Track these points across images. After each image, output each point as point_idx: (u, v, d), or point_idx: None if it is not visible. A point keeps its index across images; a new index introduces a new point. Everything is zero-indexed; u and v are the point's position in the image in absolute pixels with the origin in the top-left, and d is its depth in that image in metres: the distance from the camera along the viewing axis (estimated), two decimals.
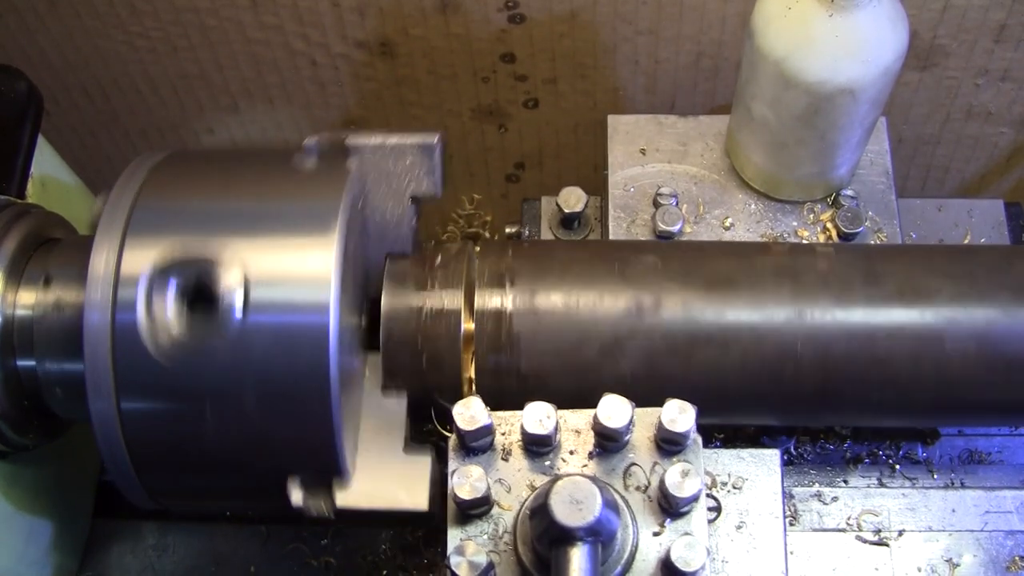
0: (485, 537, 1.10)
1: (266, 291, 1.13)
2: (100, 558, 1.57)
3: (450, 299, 1.26)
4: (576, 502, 0.99)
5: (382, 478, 1.21)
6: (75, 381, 1.16)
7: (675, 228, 1.52)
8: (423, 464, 1.22)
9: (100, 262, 1.15)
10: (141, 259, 1.14)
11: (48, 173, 1.55)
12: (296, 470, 1.19)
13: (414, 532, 1.55)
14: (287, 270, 1.14)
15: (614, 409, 1.10)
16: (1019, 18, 1.76)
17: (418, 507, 1.20)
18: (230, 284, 1.12)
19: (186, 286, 1.13)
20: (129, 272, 1.13)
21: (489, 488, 1.09)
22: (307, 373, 1.12)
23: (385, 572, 1.55)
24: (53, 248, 1.31)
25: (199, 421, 1.15)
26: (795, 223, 1.55)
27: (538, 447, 1.13)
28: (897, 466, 1.48)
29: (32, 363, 1.26)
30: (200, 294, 1.13)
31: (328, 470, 1.18)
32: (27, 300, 1.26)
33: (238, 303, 1.12)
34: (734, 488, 1.22)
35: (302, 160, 1.23)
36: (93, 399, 1.14)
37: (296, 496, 1.20)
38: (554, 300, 1.26)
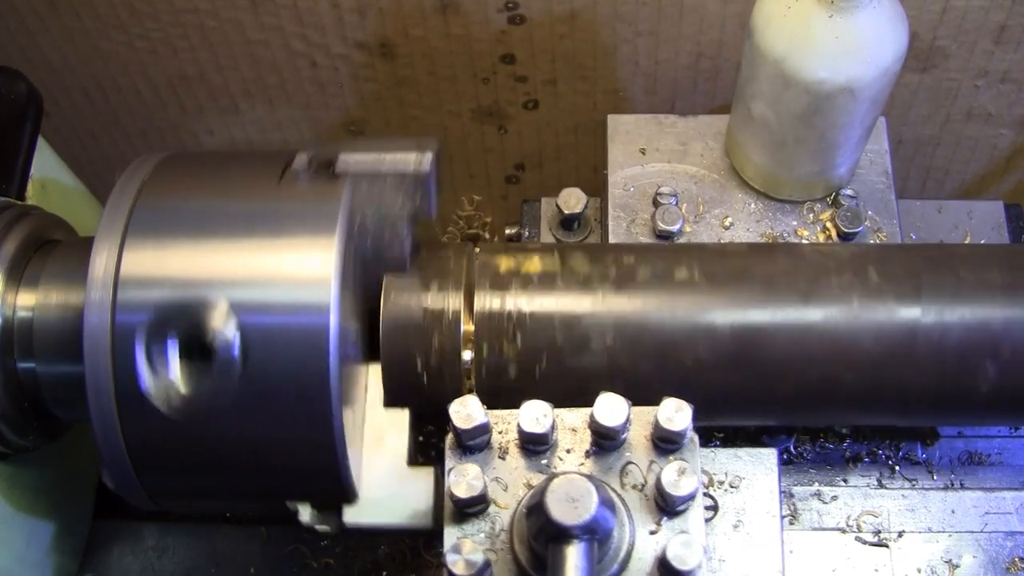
0: (482, 535, 1.10)
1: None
2: (100, 559, 1.57)
3: (450, 300, 1.26)
4: (572, 500, 0.99)
5: (387, 494, 1.23)
6: (75, 382, 1.16)
7: (675, 228, 1.52)
8: (427, 480, 1.23)
9: (100, 263, 1.15)
10: (138, 298, 1.14)
11: (48, 174, 1.55)
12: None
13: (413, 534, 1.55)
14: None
15: (611, 408, 1.10)
16: (1019, 19, 1.76)
17: (424, 524, 1.22)
18: (226, 335, 1.12)
19: (183, 339, 1.13)
20: (126, 321, 1.13)
21: (486, 486, 1.09)
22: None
23: (385, 573, 1.55)
24: (53, 249, 1.32)
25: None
26: (795, 222, 1.55)
27: (535, 445, 1.13)
28: (897, 467, 1.48)
29: (32, 364, 1.26)
30: (199, 343, 1.13)
31: (334, 485, 1.19)
32: (27, 301, 1.26)
33: (237, 350, 1.12)
34: (731, 487, 1.22)
35: (292, 180, 1.21)
36: (93, 400, 1.14)
37: (304, 514, 1.23)
38: (553, 301, 1.26)
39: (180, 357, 1.13)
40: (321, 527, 1.24)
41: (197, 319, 1.12)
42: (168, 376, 1.13)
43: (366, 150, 1.22)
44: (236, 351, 1.11)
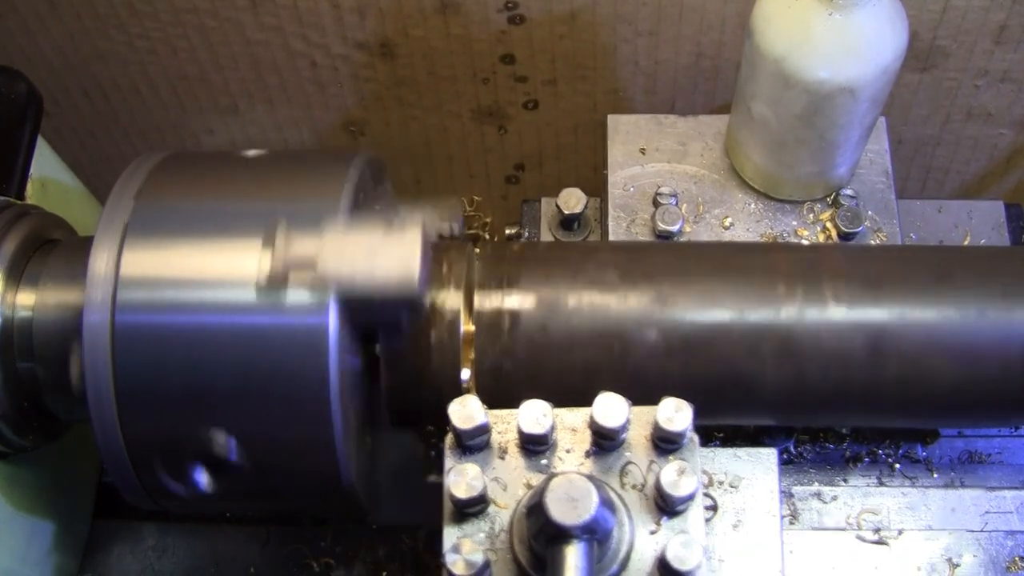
0: (481, 535, 1.10)
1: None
2: (100, 559, 1.57)
3: (450, 300, 1.26)
4: (572, 500, 0.99)
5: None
6: (75, 382, 1.16)
7: (675, 228, 1.52)
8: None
9: (100, 263, 1.16)
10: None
11: (48, 174, 1.55)
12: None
13: (413, 534, 1.55)
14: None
15: (610, 408, 1.10)
16: (1019, 19, 1.76)
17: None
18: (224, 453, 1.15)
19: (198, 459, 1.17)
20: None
21: (485, 486, 1.09)
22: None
23: (385, 573, 1.55)
24: (53, 249, 1.32)
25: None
26: (795, 222, 1.55)
27: (534, 445, 1.13)
28: (897, 465, 1.48)
29: (32, 364, 1.26)
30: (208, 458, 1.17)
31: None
32: (27, 301, 1.26)
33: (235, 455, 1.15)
34: (731, 487, 1.22)
35: (274, 285, 1.15)
36: (93, 400, 1.14)
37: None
38: (553, 301, 1.26)
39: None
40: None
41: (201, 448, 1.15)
42: (196, 488, 1.17)
43: (353, 254, 1.15)
44: (234, 456, 1.15)
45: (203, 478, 1.17)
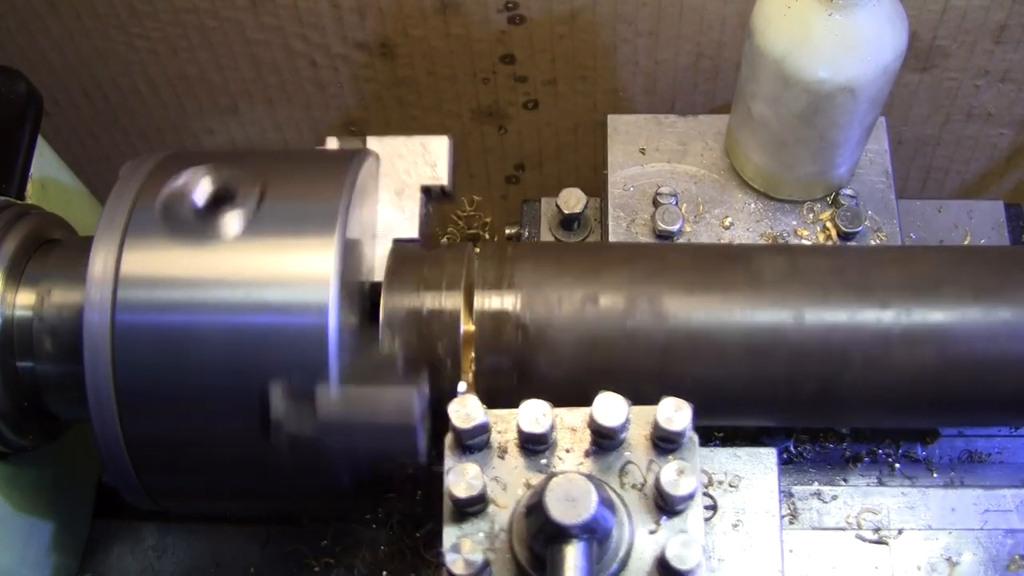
0: (481, 535, 1.10)
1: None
2: (100, 559, 1.57)
3: (450, 300, 1.26)
4: (571, 500, 0.99)
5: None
6: (75, 382, 1.16)
7: (675, 228, 1.52)
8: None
9: (100, 263, 1.16)
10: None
11: (48, 174, 1.55)
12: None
13: (413, 533, 1.55)
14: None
15: (610, 407, 1.10)
16: (1019, 19, 1.76)
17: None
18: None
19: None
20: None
21: (485, 486, 1.09)
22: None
23: (385, 573, 1.55)
24: (53, 249, 1.32)
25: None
26: (795, 222, 1.55)
27: (534, 445, 1.13)
28: (897, 465, 1.48)
29: (32, 364, 1.26)
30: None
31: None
32: (27, 301, 1.27)
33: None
34: (730, 486, 1.22)
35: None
36: (93, 400, 1.14)
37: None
38: (553, 301, 1.26)
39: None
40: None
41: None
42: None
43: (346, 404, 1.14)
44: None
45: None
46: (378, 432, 1.13)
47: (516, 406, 1.12)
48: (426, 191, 1.35)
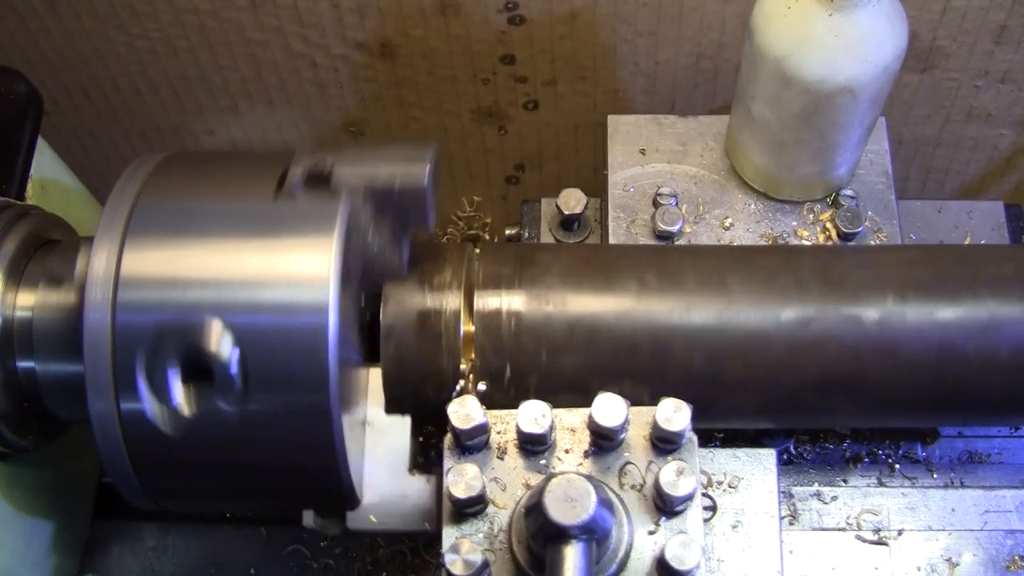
0: (480, 535, 1.11)
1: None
2: (100, 559, 1.57)
3: (450, 301, 1.26)
4: (571, 500, 0.99)
5: (388, 499, 1.23)
6: (75, 382, 1.16)
7: (675, 228, 1.52)
8: (427, 485, 1.23)
9: (100, 263, 1.15)
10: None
11: (48, 175, 1.55)
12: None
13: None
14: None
15: (609, 408, 1.10)
16: (1019, 19, 1.76)
17: (424, 528, 1.23)
18: (224, 355, 1.12)
19: (183, 363, 1.13)
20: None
21: (484, 487, 1.09)
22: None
23: (385, 573, 1.55)
24: (53, 249, 1.32)
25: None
26: (795, 223, 1.55)
27: (533, 446, 1.13)
28: (897, 465, 1.48)
29: (32, 364, 1.26)
30: (198, 364, 1.13)
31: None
32: (27, 301, 1.26)
33: (235, 368, 1.12)
34: (730, 487, 1.22)
35: (288, 195, 1.19)
36: (93, 400, 1.14)
37: (308, 519, 1.24)
38: (553, 301, 1.26)
39: (181, 380, 1.13)
40: (325, 530, 1.25)
41: (194, 343, 1.12)
42: (170, 401, 1.13)
43: (361, 162, 1.21)
44: (235, 369, 1.11)
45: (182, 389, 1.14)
46: None
47: (515, 407, 1.12)
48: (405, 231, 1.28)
